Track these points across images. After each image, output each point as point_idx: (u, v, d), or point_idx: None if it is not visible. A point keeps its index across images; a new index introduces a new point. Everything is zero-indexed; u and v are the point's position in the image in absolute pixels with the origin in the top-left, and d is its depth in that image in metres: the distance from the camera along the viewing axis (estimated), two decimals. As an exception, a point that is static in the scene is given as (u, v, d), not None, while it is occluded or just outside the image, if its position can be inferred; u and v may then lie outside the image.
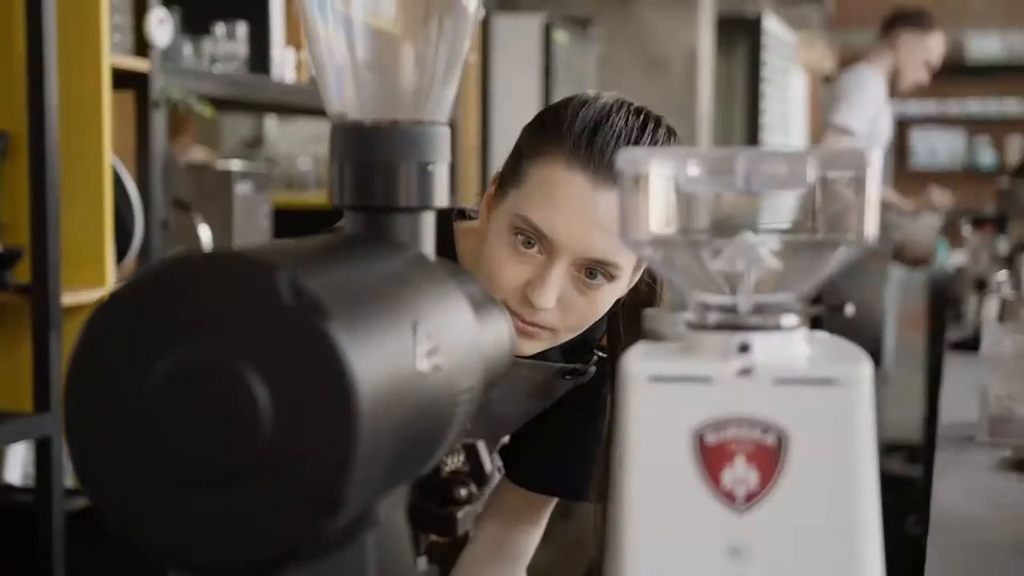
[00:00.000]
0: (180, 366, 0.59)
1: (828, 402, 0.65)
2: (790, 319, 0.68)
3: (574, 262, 1.21)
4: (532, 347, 1.26)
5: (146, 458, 0.60)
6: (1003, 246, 4.03)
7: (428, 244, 0.79)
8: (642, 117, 1.26)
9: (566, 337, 1.27)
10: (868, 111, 4.18)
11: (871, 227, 0.67)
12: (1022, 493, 1.58)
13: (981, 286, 3.15)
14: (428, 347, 0.67)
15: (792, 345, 0.68)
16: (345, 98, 0.79)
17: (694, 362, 0.67)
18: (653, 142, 1.24)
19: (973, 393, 1.93)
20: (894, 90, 4.37)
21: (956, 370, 2.59)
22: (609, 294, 1.24)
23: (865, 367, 0.66)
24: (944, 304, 4.57)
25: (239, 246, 0.64)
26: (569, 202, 1.19)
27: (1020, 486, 1.61)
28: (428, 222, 0.79)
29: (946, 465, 1.73)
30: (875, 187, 0.66)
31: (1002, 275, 3.01)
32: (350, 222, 0.79)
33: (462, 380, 0.72)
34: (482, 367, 0.76)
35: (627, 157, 0.69)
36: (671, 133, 1.28)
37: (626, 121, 1.24)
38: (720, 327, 0.68)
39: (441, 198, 0.79)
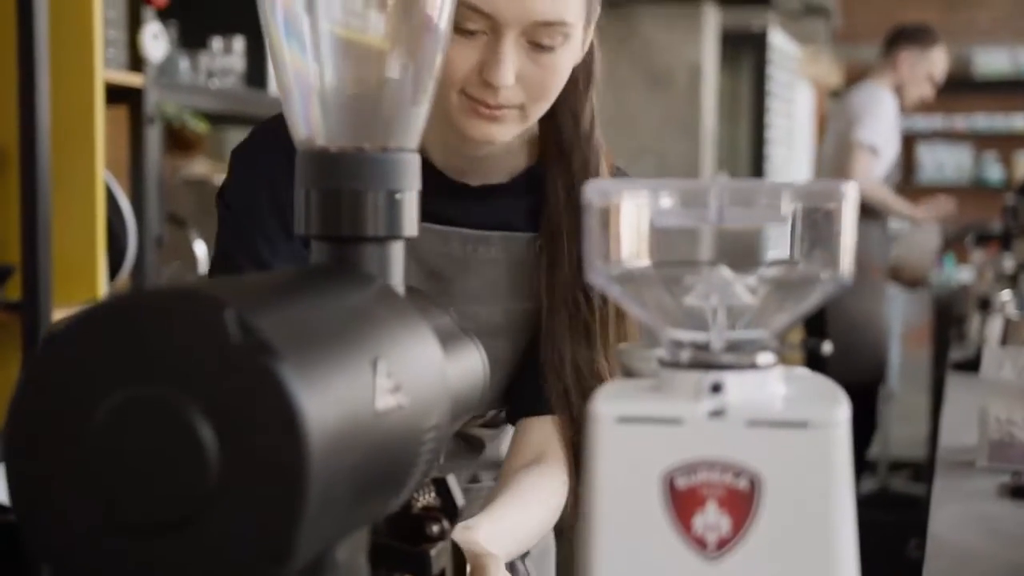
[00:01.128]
0: (124, 406, 0.57)
1: (803, 446, 0.63)
2: (765, 357, 0.66)
3: (521, 32, 1.17)
4: (504, 131, 1.22)
5: (88, 501, 0.58)
6: (1008, 263, 4.01)
7: (396, 275, 0.76)
8: None
9: (536, 113, 1.23)
10: (884, 127, 4.19)
11: (847, 263, 0.64)
12: (1021, 521, 1.55)
13: (985, 305, 3.12)
14: (389, 385, 0.65)
15: (767, 384, 0.65)
16: (312, 124, 0.77)
17: (664, 403, 0.64)
18: None
19: (974, 415, 1.90)
20: (899, 106, 4.36)
21: (958, 391, 2.56)
22: (565, 56, 1.21)
23: (842, 409, 0.64)
24: (948, 322, 4.55)
25: (191, 282, 0.61)
26: None
27: (1019, 513, 1.58)
28: (397, 252, 0.76)
29: (945, 491, 1.70)
30: (851, 222, 0.64)
31: (1006, 295, 2.98)
32: (316, 252, 0.76)
33: (427, 418, 0.69)
34: (450, 403, 0.73)
35: (595, 188, 0.66)
36: None
37: None
38: (692, 365, 0.66)
39: (411, 227, 0.77)
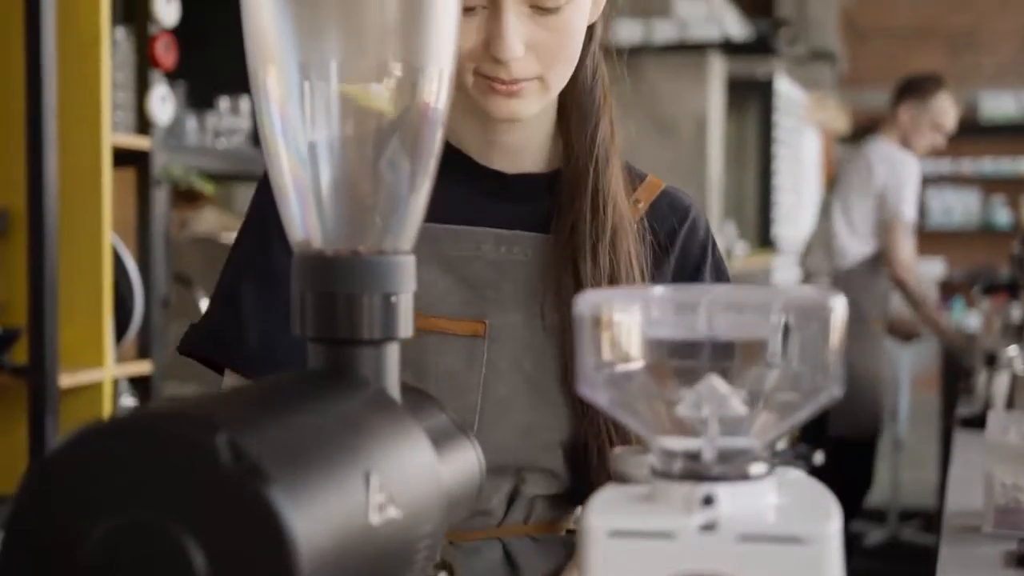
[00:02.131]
0: (116, 533, 0.57)
1: (795, 561, 0.63)
2: (757, 467, 0.66)
3: None
4: (526, 105, 1.15)
5: (81, 626, 0.58)
6: (1016, 313, 4.00)
7: (391, 376, 0.77)
8: None
9: (559, 82, 1.15)
10: (916, 197, 4.26)
11: (838, 375, 0.65)
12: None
13: (991, 361, 3.11)
14: (382, 499, 0.65)
15: (759, 496, 0.65)
16: (308, 227, 0.78)
17: (656, 516, 0.64)
18: None
19: (981, 477, 1.89)
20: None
21: (965, 450, 2.55)
22: (575, 15, 1.13)
23: (834, 522, 0.64)
24: (957, 371, 4.53)
25: (180, 400, 0.62)
26: None
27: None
28: (392, 353, 0.77)
29: (951, 558, 1.69)
30: (840, 333, 0.64)
31: (1013, 350, 2.97)
32: (312, 354, 0.77)
33: (421, 526, 0.69)
34: (444, 508, 0.73)
35: (586, 301, 0.67)
36: None
37: None
38: (684, 476, 0.66)
39: (406, 329, 0.77)
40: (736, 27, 5.34)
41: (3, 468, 2.31)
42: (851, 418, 4.04)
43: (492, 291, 1.20)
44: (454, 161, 1.23)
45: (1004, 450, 1.89)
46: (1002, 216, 9.61)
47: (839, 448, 4.05)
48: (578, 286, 1.16)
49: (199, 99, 2.88)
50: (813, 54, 8.80)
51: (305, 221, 0.77)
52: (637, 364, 0.68)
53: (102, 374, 2.38)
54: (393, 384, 0.76)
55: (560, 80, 1.15)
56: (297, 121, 0.76)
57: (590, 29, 1.20)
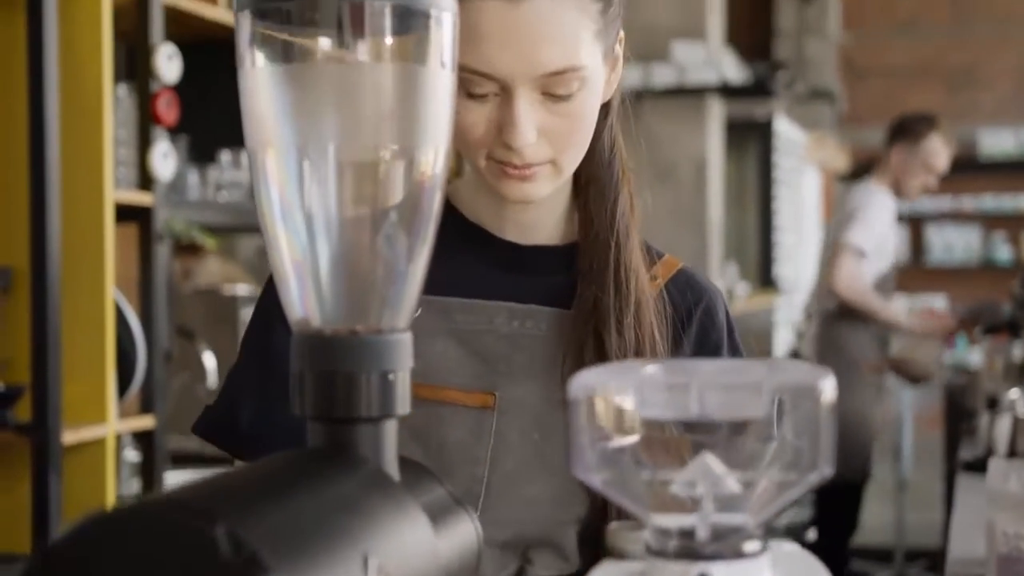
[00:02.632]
0: (116, 623, 0.58)
1: (788, 639, 0.63)
2: (752, 545, 0.67)
3: (533, 86, 1.09)
4: (539, 188, 1.14)
5: None
6: (1018, 352, 4.00)
7: (389, 452, 0.77)
8: None
9: (571, 165, 1.15)
10: (877, 230, 4.20)
11: (827, 457, 0.65)
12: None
13: (993, 404, 3.11)
14: (380, 580, 0.66)
15: (754, 573, 0.66)
16: (307, 306, 0.79)
17: (651, 596, 0.65)
18: None
19: (984, 523, 1.89)
20: (901, 196, 4.41)
21: (967, 495, 2.55)
22: (587, 100, 1.12)
23: (826, 601, 0.64)
24: (960, 411, 4.53)
25: (182, 488, 0.63)
26: (493, 30, 1.07)
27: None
28: (390, 430, 0.78)
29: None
30: (829, 417, 0.65)
31: (1014, 392, 2.97)
32: (312, 432, 0.78)
33: (419, 605, 0.70)
34: (442, 585, 0.74)
35: (579, 383, 0.68)
36: None
37: None
38: (679, 555, 0.67)
39: (403, 406, 0.78)
40: (734, 70, 5.38)
41: (6, 526, 2.31)
42: (840, 462, 4.05)
43: (504, 364, 1.19)
44: (469, 233, 1.23)
45: (1005, 498, 1.89)
46: (1003, 252, 9.63)
47: (826, 490, 4.04)
48: (603, 360, 1.16)
49: (201, 153, 2.90)
50: (812, 94, 8.85)
51: (303, 300, 0.78)
52: (631, 443, 0.69)
53: (105, 430, 2.39)
54: (391, 461, 0.77)
55: (572, 163, 1.15)
56: (295, 202, 0.77)
57: (606, 104, 1.20)
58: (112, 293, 2.41)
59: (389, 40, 0.76)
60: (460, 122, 1.10)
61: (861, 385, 4.25)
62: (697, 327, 1.25)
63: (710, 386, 0.67)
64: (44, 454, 2.21)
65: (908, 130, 4.39)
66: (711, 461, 0.68)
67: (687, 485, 0.68)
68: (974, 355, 7.60)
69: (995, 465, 1.96)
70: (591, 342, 1.18)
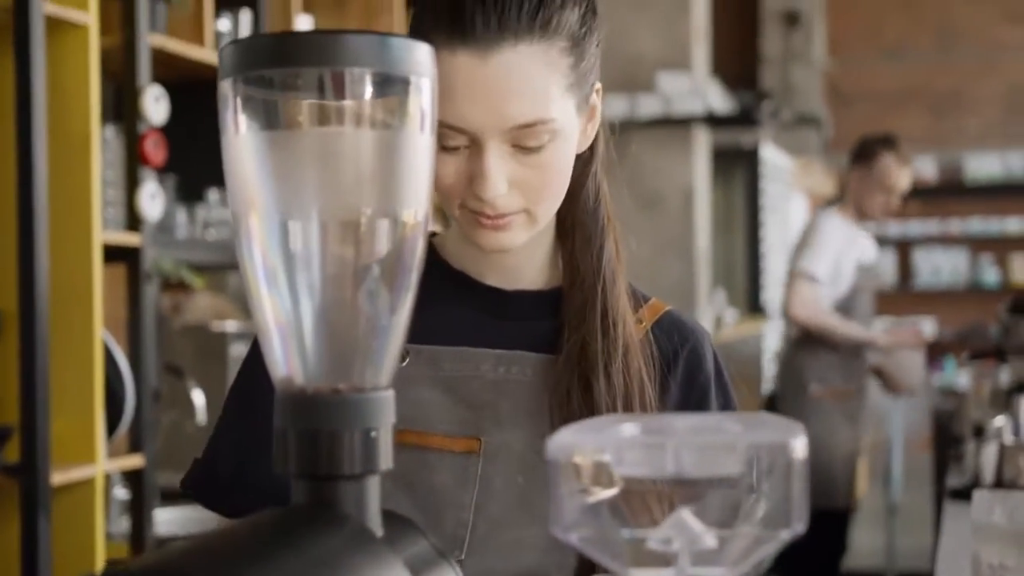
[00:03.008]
0: None
1: None
2: (728, 601, 0.68)
3: (501, 138, 1.10)
4: (514, 237, 1.15)
5: None
6: (1005, 377, 4.01)
7: (372, 508, 0.79)
8: None
9: (546, 214, 1.16)
10: (829, 254, 4.21)
11: (800, 514, 0.67)
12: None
13: (979, 432, 3.12)
14: (363, 640, 0.67)
15: (730, 629, 0.68)
16: (290, 365, 0.80)
17: (629, 653, 0.66)
18: None
19: (970, 554, 1.90)
20: (864, 219, 4.39)
21: (954, 523, 2.56)
22: (559, 151, 1.13)
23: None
24: (948, 435, 4.54)
25: (163, 551, 0.64)
26: (462, 84, 1.09)
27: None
28: (373, 487, 0.79)
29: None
30: (802, 474, 0.67)
31: (999, 420, 2.99)
32: (295, 489, 0.79)
33: (402, 662, 0.71)
34: (425, 639, 0.76)
35: (557, 442, 0.69)
36: None
37: None
38: (657, 612, 0.68)
39: (386, 461, 0.79)
40: (719, 100, 5.42)
41: (-4, 567, 2.31)
42: (814, 489, 4.02)
43: (490, 410, 1.20)
44: (454, 280, 1.25)
45: (989, 530, 1.91)
46: (991, 275, 9.68)
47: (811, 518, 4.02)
48: (591, 405, 1.17)
49: (189, 191, 2.91)
50: (798, 120, 8.90)
51: (287, 359, 0.80)
52: (608, 501, 0.70)
53: (94, 470, 2.40)
54: (374, 516, 0.79)
55: (547, 212, 1.16)
56: (278, 263, 0.79)
57: (591, 150, 1.22)
58: (100, 334, 2.42)
59: (369, 106, 0.78)
60: (437, 176, 1.12)
61: (823, 412, 4.23)
62: (684, 369, 1.25)
63: (686, 445, 0.69)
64: (33, 496, 2.22)
65: (863, 152, 4.40)
66: (687, 517, 0.70)
67: (664, 541, 0.69)
68: (962, 378, 7.62)
69: (979, 497, 1.97)
70: (578, 388, 1.19)
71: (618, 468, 0.69)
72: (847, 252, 4.27)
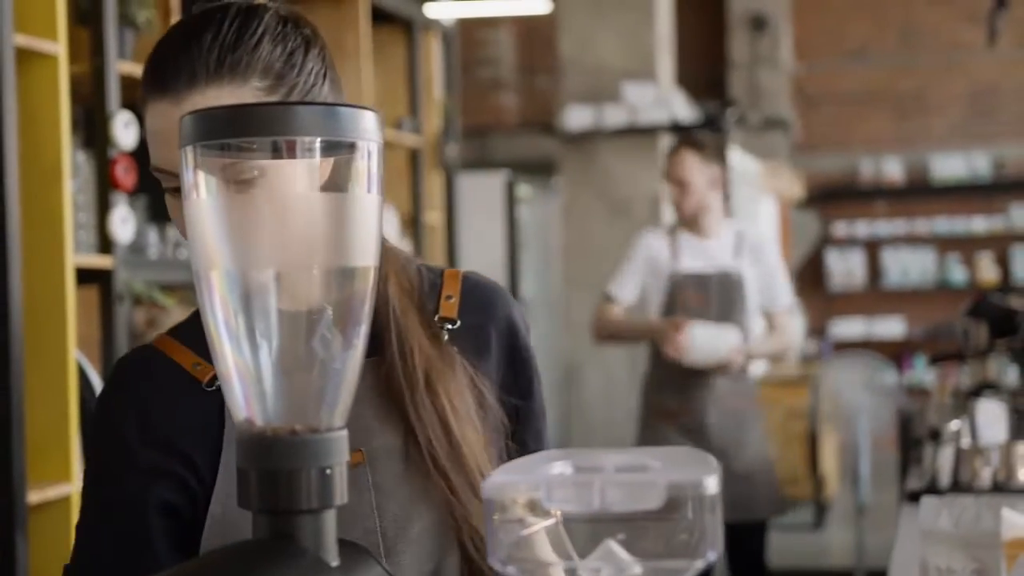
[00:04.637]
0: None
1: None
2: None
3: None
4: None
5: None
6: (965, 380, 4.09)
7: (329, 539, 0.85)
8: (207, 13, 1.19)
9: None
10: (628, 272, 4.02)
11: (713, 544, 0.74)
12: None
13: (936, 436, 3.19)
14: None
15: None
16: (250, 407, 0.86)
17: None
18: (219, 31, 1.16)
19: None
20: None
21: (911, 526, 2.62)
22: (275, 187, 1.12)
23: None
24: (911, 439, 4.62)
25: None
26: (161, 130, 1.16)
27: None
28: (329, 520, 0.85)
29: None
30: (714, 508, 0.73)
31: (955, 424, 3.05)
32: (256, 524, 0.85)
33: None
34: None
35: (492, 483, 0.76)
36: (252, 20, 1.18)
37: (193, 21, 1.18)
38: (586, 634, 0.74)
39: (341, 496, 0.86)
40: (684, 110, 5.49)
41: (-26, 586, 2.36)
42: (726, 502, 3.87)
43: (359, 421, 1.22)
44: None
45: (937, 535, 1.98)
46: (958, 274, 9.80)
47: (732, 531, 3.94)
48: (419, 420, 1.22)
49: (159, 212, 2.97)
50: (766, 123, 9.00)
51: (247, 403, 0.86)
52: (539, 535, 0.77)
53: (70, 488, 2.45)
54: (331, 547, 0.85)
55: None
56: (238, 316, 0.85)
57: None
58: (74, 354, 2.47)
59: (319, 169, 0.85)
60: (176, 223, 1.19)
61: (665, 433, 4.08)
62: (498, 337, 1.31)
63: (611, 482, 0.75)
64: (10, 515, 2.27)
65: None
66: (614, 547, 0.76)
67: (594, 570, 0.76)
68: (931, 376, 7.70)
69: (927, 503, 2.04)
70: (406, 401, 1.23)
71: (548, 504, 0.76)
72: (659, 270, 4.01)
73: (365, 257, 0.86)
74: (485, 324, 1.31)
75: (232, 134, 0.83)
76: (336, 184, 0.85)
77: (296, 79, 1.19)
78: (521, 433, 1.31)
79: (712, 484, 0.74)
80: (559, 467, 0.78)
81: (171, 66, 1.16)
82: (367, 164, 0.85)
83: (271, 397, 0.86)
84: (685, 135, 4.21)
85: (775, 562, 4.87)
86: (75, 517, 2.45)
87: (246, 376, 0.86)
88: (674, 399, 4.01)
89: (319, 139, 0.83)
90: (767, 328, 4.09)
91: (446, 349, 1.26)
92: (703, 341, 3.82)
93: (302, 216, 0.85)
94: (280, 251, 0.85)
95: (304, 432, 0.85)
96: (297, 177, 0.85)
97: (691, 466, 0.77)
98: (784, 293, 4.04)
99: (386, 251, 1.28)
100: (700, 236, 4.02)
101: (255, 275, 0.85)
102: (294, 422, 0.86)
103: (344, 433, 0.86)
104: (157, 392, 1.23)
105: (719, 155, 4.04)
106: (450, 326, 1.27)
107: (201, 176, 0.84)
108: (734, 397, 4.03)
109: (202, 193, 0.84)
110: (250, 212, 0.86)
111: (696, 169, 3.93)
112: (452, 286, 1.30)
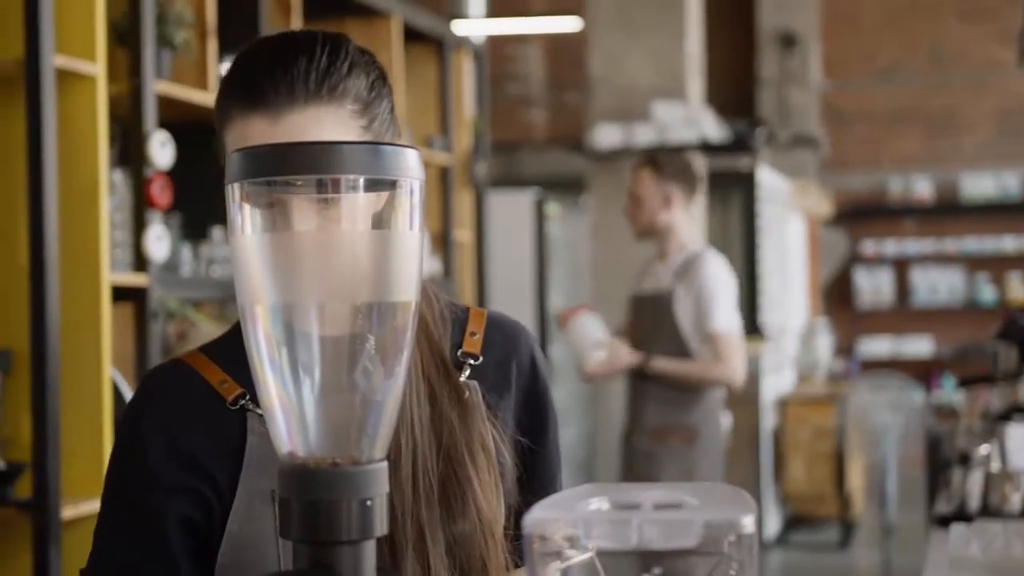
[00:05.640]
0: None
1: None
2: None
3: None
4: None
5: None
6: (995, 403, 4.06)
7: (368, 570, 0.87)
8: (295, 37, 1.22)
9: None
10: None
11: (750, 582, 0.75)
12: None
13: (965, 460, 3.18)
14: None
15: None
16: (293, 440, 0.88)
17: None
18: (313, 53, 1.18)
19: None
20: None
21: (939, 554, 2.61)
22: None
23: None
24: (940, 461, 4.59)
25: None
26: (255, 144, 1.12)
27: None
28: (369, 550, 0.87)
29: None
30: (752, 545, 0.74)
31: (984, 448, 3.04)
32: (296, 553, 0.87)
33: None
34: None
35: (532, 519, 0.77)
36: (340, 48, 1.21)
37: (282, 42, 1.20)
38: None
39: (381, 527, 0.87)
40: (713, 129, 5.50)
41: (9, 600, 2.39)
42: None
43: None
44: None
45: (967, 562, 1.98)
46: (987, 293, 9.75)
47: None
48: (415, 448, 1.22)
49: (193, 230, 3.00)
50: (795, 141, 8.99)
51: (290, 435, 0.88)
52: (579, 569, 0.78)
53: (103, 504, 2.47)
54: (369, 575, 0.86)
55: None
56: (282, 350, 0.87)
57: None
58: (109, 372, 2.49)
59: (363, 207, 0.86)
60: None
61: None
62: (519, 375, 1.31)
63: (649, 520, 0.77)
64: (44, 530, 2.29)
65: None
66: (652, 583, 0.77)
67: (629, 605, 0.77)
68: (959, 396, 7.65)
69: (957, 530, 2.04)
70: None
71: (586, 541, 0.77)
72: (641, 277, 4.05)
73: (407, 292, 0.88)
74: (507, 363, 1.31)
75: (278, 172, 0.85)
76: (379, 221, 0.87)
77: (378, 109, 1.22)
78: (533, 474, 1.30)
79: (749, 523, 0.75)
80: (596, 503, 0.80)
81: (267, 82, 1.16)
82: (410, 201, 0.87)
83: (313, 429, 0.88)
84: (648, 154, 4.17)
85: (801, 581, 4.87)
86: (108, 533, 2.48)
87: (289, 408, 0.87)
88: (626, 413, 4.05)
89: (363, 177, 0.85)
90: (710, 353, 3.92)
91: (460, 384, 1.26)
92: (578, 328, 3.83)
93: (346, 253, 0.86)
94: (323, 287, 0.87)
95: (345, 464, 0.87)
96: (341, 213, 0.86)
97: (728, 504, 0.78)
98: (718, 317, 3.88)
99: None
100: (657, 257, 4.05)
101: (297, 308, 0.87)
102: (335, 454, 0.88)
103: (384, 465, 0.88)
104: (182, 407, 1.24)
105: (680, 177, 3.96)
106: (472, 361, 1.28)
107: (247, 212, 0.86)
108: (663, 422, 3.94)
109: (247, 229, 0.86)
110: (294, 248, 0.88)
111: (649, 186, 3.93)
112: (477, 323, 1.31)
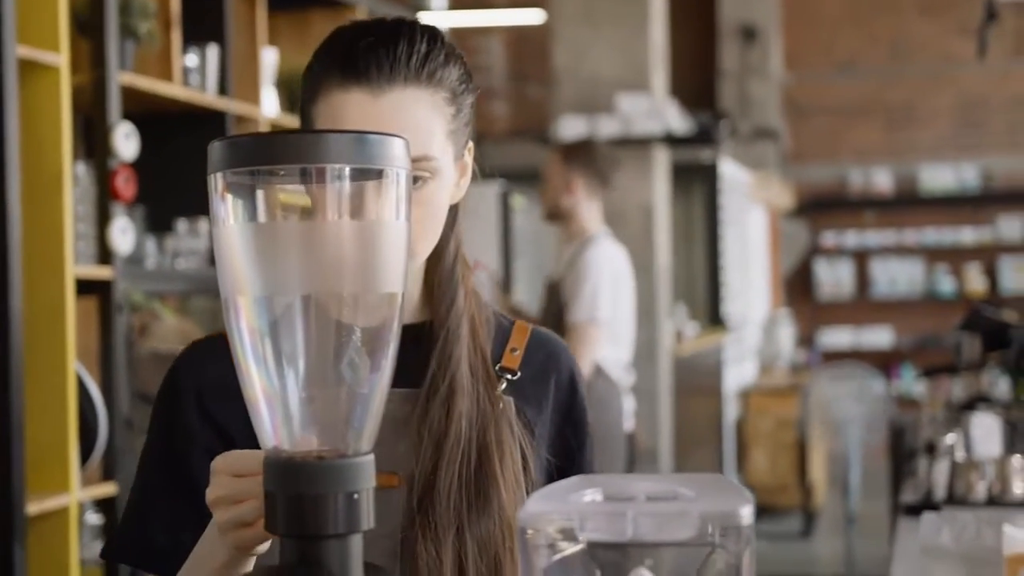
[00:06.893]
0: None
1: None
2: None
3: None
4: None
5: None
6: (957, 392, 4.09)
7: (355, 564, 0.85)
8: (395, 22, 1.24)
9: (422, 252, 1.21)
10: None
11: (748, 573, 0.74)
12: None
13: (931, 449, 3.20)
14: None
15: None
16: (277, 434, 0.87)
17: None
18: (413, 38, 1.20)
19: (921, 570, 1.97)
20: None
21: (908, 540, 2.63)
22: (437, 191, 1.20)
23: None
24: (903, 450, 4.62)
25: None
26: (356, 118, 1.17)
27: None
28: (356, 544, 0.85)
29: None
30: (749, 537, 0.74)
31: (950, 438, 3.06)
32: (283, 548, 0.86)
33: None
34: None
35: (528, 513, 0.76)
36: (437, 38, 1.23)
37: (381, 25, 1.22)
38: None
39: (367, 521, 0.86)
40: (677, 121, 5.50)
41: (-27, 598, 2.35)
42: None
43: (381, 448, 1.23)
44: None
45: (938, 551, 1.99)
46: (946, 284, 9.83)
47: None
48: (420, 442, 1.21)
49: (158, 222, 2.96)
50: (756, 133, 9.02)
51: (274, 428, 0.86)
52: (573, 562, 0.77)
53: (68, 499, 2.44)
54: (356, 571, 0.85)
55: (423, 250, 1.21)
56: (265, 341, 0.86)
57: (454, 208, 1.28)
58: (74, 366, 2.46)
59: (348, 196, 0.85)
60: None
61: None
62: (556, 394, 1.31)
63: (644, 512, 0.76)
64: (9, 525, 2.26)
65: None
66: (645, 574, 0.77)
67: (623, 598, 0.76)
68: (919, 386, 7.71)
69: (928, 519, 2.05)
70: (444, 422, 1.22)
71: (581, 534, 0.76)
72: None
73: (393, 283, 0.87)
74: (546, 380, 1.31)
75: (262, 161, 0.83)
76: (363, 210, 0.85)
77: (465, 102, 1.25)
78: None
79: (746, 514, 0.74)
80: (590, 495, 0.79)
81: (371, 57, 1.18)
82: (395, 191, 0.86)
83: (298, 422, 0.86)
84: (567, 143, 4.24)
85: (763, 570, 4.88)
86: (73, 527, 2.45)
87: (273, 401, 0.86)
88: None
89: (348, 166, 0.83)
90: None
91: (496, 397, 1.25)
92: None
93: (331, 243, 0.85)
94: (308, 278, 0.85)
95: (331, 457, 0.86)
96: (325, 203, 0.85)
97: (724, 495, 0.77)
98: (579, 306, 3.81)
99: (467, 293, 1.28)
100: (564, 243, 4.10)
101: (281, 300, 0.85)
102: (321, 447, 0.86)
103: (371, 458, 0.87)
104: (218, 379, 1.20)
105: (585, 164, 3.98)
106: (510, 376, 1.27)
107: (230, 202, 0.85)
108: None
109: (230, 220, 0.84)
110: (277, 238, 0.86)
111: (555, 170, 4.00)
112: (519, 339, 1.31)
